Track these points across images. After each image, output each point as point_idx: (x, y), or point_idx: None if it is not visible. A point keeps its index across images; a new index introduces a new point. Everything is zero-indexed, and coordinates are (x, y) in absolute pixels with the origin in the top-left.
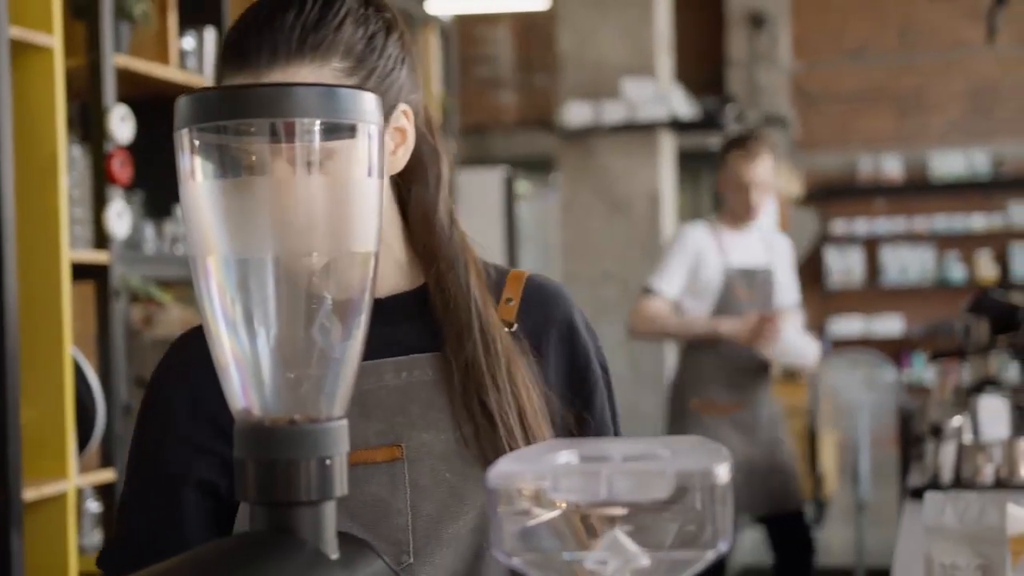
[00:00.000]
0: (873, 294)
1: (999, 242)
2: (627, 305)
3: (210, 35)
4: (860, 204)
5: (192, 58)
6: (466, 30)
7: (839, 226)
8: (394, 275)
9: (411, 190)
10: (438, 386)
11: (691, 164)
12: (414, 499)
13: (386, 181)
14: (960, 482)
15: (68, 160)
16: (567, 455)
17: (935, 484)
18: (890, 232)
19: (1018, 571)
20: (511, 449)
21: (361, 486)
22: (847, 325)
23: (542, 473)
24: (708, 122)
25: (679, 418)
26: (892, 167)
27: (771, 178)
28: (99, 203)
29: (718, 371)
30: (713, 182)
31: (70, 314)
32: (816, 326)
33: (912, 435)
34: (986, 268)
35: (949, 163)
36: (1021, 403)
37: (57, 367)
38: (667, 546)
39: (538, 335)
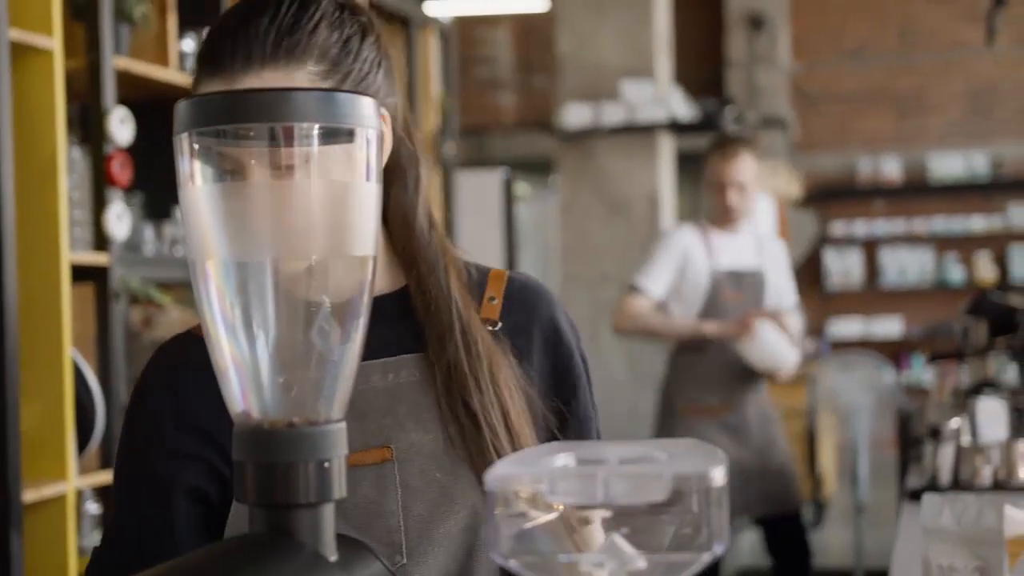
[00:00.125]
0: (872, 296)
1: (998, 243)
2: None
3: None
4: (859, 205)
5: (192, 60)
6: (466, 31)
7: (838, 227)
8: (376, 277)
9: (390, 193)
10: (425, 386)
11: (690, 166)
12: (405, 499)
13: None
14: (958, 484)
15: (68, 162)
16: (564, 458)
17: (933, 486)
18: (889, 233)
19: (1016, 573)
20: (495, 449)
21: (352, 488)
22: (846, 327)
23: (539, 476)
24: (707, 123)
25: (668, 421)
26: (891, 168)
27: (751, 179)
28: (99, 205)
29: (705, 373)
30: None
31: (70, 316)
32: (815, 328)
33: (911, 437)
34: (985, 269)
35: (948, 164)
36: (1019, 405)
37: (57, 368)
38: (663, 548)
39: (522, 332)
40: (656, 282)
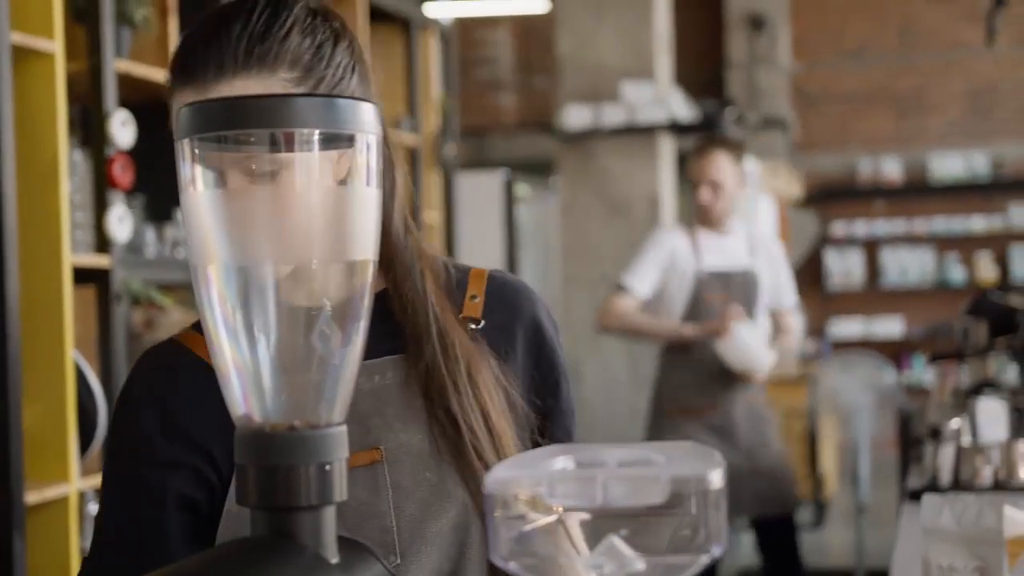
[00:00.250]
0: (873, 296)
1: (999, 244)
2: None
3: None
4: (860, 206)
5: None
6: (466, 32)
7: (839, 228)
8: None
9: None
10: (410, 387)
11: None
12: (397, 500)
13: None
14: (959, 484)
15: (69, 164)
16: (563, 461)
17: (934, 486)
18: (890, 234)
19: (1015, 573)
20: (476, 450)
21: None
22: (847, 327)
23: (538, 479)
24: (708, 124)
25: (657, 422)
26: (892, 168)
27: (728, 179)
28: (100, 207)
29: (690, 374)
30: None
31: (71, 318)
32: (816, 328)
33: (912, 437)
34: (986, 270)
35: (949, 165)
36: (1019, 405)
37: (58, 370)
38: (662, 550)
39: (505, 329)
40: (642, 281)
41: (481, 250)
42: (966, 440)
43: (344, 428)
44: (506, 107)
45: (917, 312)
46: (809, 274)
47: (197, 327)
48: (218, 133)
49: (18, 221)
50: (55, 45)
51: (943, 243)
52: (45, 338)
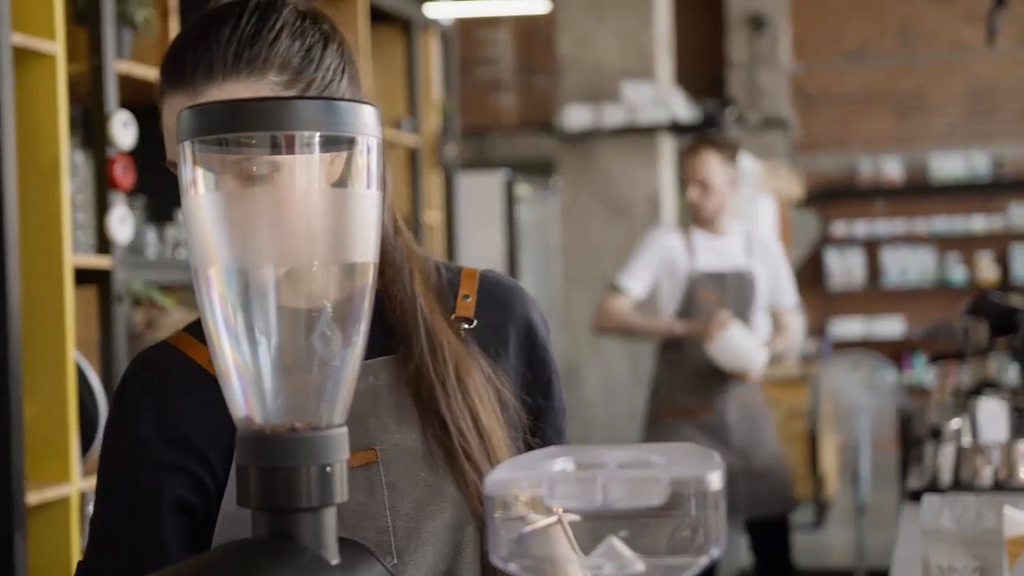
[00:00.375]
0: (874, 296)
1: (999, 243)
2: None
3: None
4: (860, 206)
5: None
6: (466, 33)
7: (839, 228)
8: None
9: None
10: (402, 388)
11: None
12: (392, 500)
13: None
14: (959, 484)
15: (70, 165)
16: (563, 462)
17: (934, 486)
18: (890, 234)
19: (1015, 573)
20: (464, 451)
21: None
22: (848, 327)
23: (538, 480)
24: (708, 124)
25: (652, 423)
26: (892, 169)
27: (717, 178)
28: (101, 208)
29: (682, 374)
30: None
31: (72, 318)
32: (817, 328)
33: (912, 437)
34: (987, 270)
35: (949, 165)
36: (1020, 405)
37: (60, 371)
38: (661, 552)
39: (498, 328)
40: (636, 281)
41: (481, 250)
42: (966, 440)
43: (345, 430)
44: (507, 107)
45: (918, 312)
46: (810, 274)
47: (189, 329)
48: (219, 136)
49: (19, 222)
50: (56, 46)
51: (944, 243)
52: (46, 339)
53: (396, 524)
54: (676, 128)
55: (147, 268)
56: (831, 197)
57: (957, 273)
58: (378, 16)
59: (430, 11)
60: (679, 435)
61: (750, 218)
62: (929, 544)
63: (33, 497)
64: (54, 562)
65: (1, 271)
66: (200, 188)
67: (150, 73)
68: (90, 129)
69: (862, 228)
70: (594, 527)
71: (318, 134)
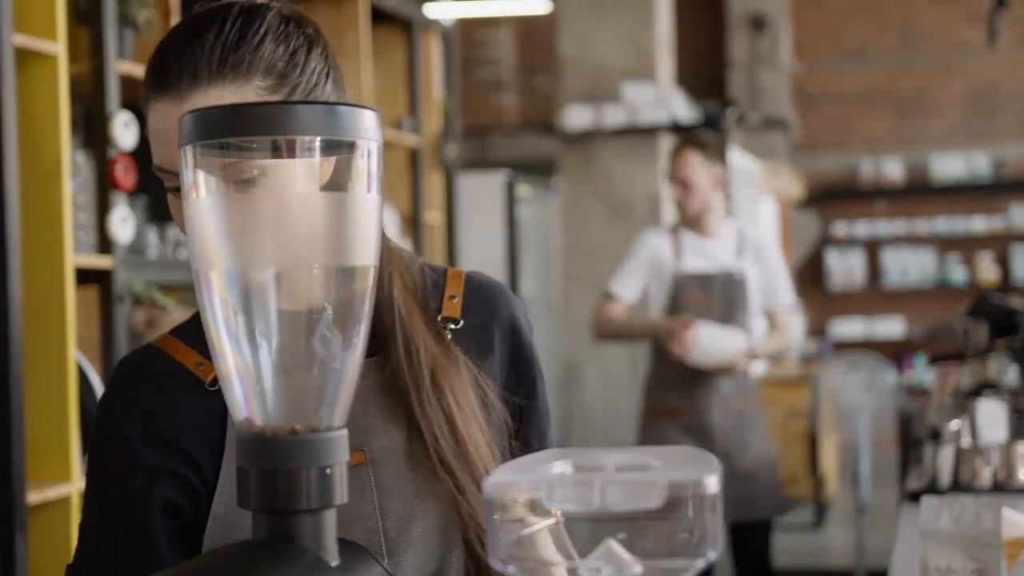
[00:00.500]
0: (874, 296)
1: (1000, 244)
2: None
3: None
4: (861, 206)
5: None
6: (467, 33)
7: (840, 228)
8: None
9: None
10: (390, 389)
11: None
12: (382, 501)
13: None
14: (958, 485)
15: (72, 166)
16: (561, 465)
17: (933, 487)
18: (891, 234)
19: (1013, 575)
20: (438, 455)
21: None
22: (848, 327)
23: (537, 483)
24: (709, 125)
25: (643, 424)
26: (893, 169)
27: (699, 178)
28: (102, 208)
29: (668, 376)
30: None
31: (74, 318)
32: (817, 328)
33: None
34: (987, 270)
35: (950, 165)
36: (1019, 407)
37: (61, 371)
38: (659, 554)
39: (484, 329)
40: (627, 286)
41: (482, 250)
42: (966, 441)
43: (344, 432)
44: (507, 107)
45: (918, 313)
46: (810, 274)
47: (176, 332)
48: (221, 140)
49: (21, 222)
50: (58, 47)
51: (944, 244)
52: (47, 338)
53: (386, 525)
54: (677, 128)
55: (148, 268)
56: (832, 197)
57: (957, 274)
58: (379, 16)
59: (431, 11)
60: (664, 436)
61: (750, 218)
62: (928, 545)
63: (33, 496)
64: (54, 562)
65: (2, 271)
66: (201, 192)
67: None
68: (91, 129)
69: (862, 228)
70: (592, 530)
71: (319, 138)
